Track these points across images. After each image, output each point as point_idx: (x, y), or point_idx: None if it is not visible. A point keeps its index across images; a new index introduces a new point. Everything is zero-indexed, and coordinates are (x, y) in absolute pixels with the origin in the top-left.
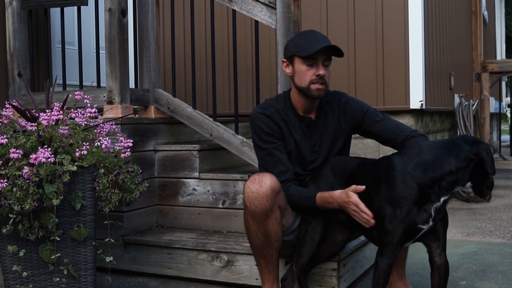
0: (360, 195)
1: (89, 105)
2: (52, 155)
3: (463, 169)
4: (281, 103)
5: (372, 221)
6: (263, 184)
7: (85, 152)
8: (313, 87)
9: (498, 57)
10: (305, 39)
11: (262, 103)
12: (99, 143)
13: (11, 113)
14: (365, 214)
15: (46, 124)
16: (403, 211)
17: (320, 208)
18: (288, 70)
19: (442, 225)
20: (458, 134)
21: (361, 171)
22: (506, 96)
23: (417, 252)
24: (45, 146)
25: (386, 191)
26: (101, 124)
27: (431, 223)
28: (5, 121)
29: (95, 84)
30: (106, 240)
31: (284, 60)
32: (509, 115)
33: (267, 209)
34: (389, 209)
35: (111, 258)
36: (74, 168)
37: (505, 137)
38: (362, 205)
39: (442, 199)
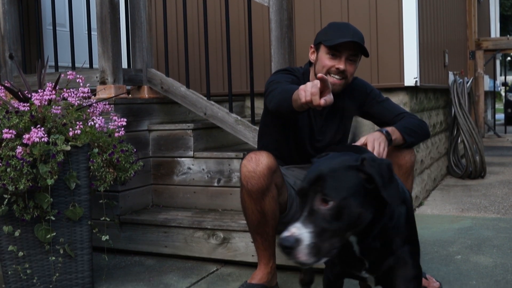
0: None
1: (81, 84)
2: (46, 135)
3: None
4: (300, 76)
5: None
6: (259, 163)
7: (79, 131)
8: (329, 78)
9: (493, 35)
10: (336, 31)
11: (287, 67)
12: (92, 123)
13: (3, 94)
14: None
15: (39, 104)
16: None
17: (293, 104)
18: (313, 57)
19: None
20: (453, 111)
21: None
22: (501, 75)
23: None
24: (38, 126)
25: None
26: (94, 104)
27: None
28: None
29: (87, 65)
30: (101, 219)
31: (312, 46)
32: (503, 93)
33: (264, 188)
34: None
35: (107, 237)
36: (68, 148)
37: (500, 116)
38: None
39: None
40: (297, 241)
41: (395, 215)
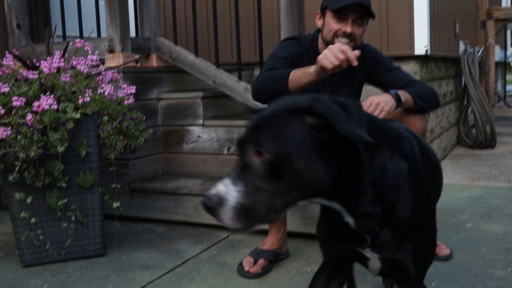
0: None
1: (90, 53)
2: (55, 102)
3: None
4: (308, 44)
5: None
6: None
7: (88, 99)
8: (336, 42)
9: (504, 5)
10: None
11: (295, 35)
12: (101, 91)
13: (11, 63)
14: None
15: (48, 72)
16: None
17: (292, 85)
18: (320, 22)
19: None
20: (463, 81)
21: None
22: (511, 46)
23: None
24: (48, 93)
25: None
26: (103, 72)
27: None
28: (6, 71)
29: (95, 34)
30: (112, 186)
31: (318, 12)
32: None
33: None
34: None
35: (118, 204)
36: (78, 116)
37: (510, 87)
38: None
39: None
40: (220, 201)
41: (388, 170)
